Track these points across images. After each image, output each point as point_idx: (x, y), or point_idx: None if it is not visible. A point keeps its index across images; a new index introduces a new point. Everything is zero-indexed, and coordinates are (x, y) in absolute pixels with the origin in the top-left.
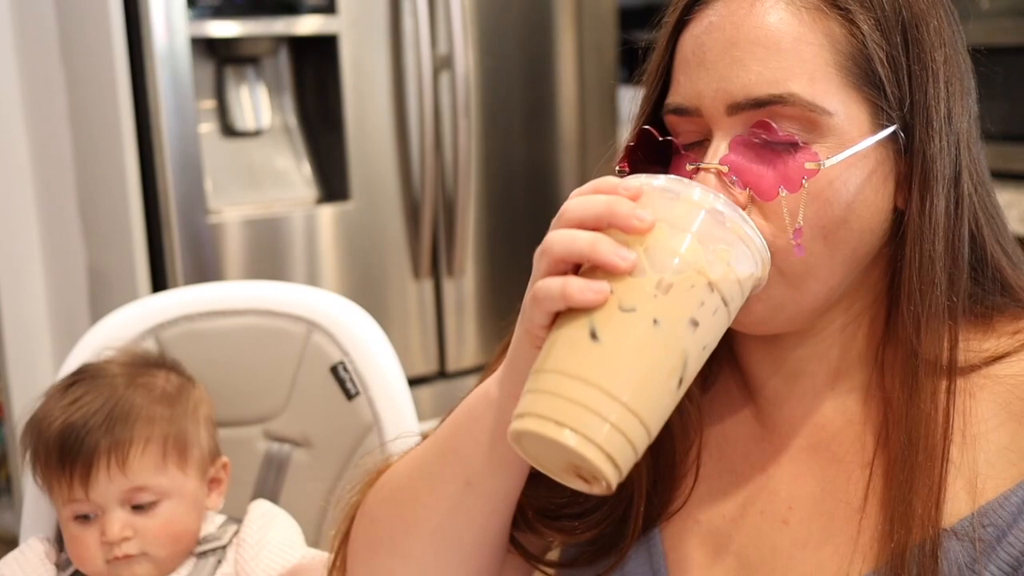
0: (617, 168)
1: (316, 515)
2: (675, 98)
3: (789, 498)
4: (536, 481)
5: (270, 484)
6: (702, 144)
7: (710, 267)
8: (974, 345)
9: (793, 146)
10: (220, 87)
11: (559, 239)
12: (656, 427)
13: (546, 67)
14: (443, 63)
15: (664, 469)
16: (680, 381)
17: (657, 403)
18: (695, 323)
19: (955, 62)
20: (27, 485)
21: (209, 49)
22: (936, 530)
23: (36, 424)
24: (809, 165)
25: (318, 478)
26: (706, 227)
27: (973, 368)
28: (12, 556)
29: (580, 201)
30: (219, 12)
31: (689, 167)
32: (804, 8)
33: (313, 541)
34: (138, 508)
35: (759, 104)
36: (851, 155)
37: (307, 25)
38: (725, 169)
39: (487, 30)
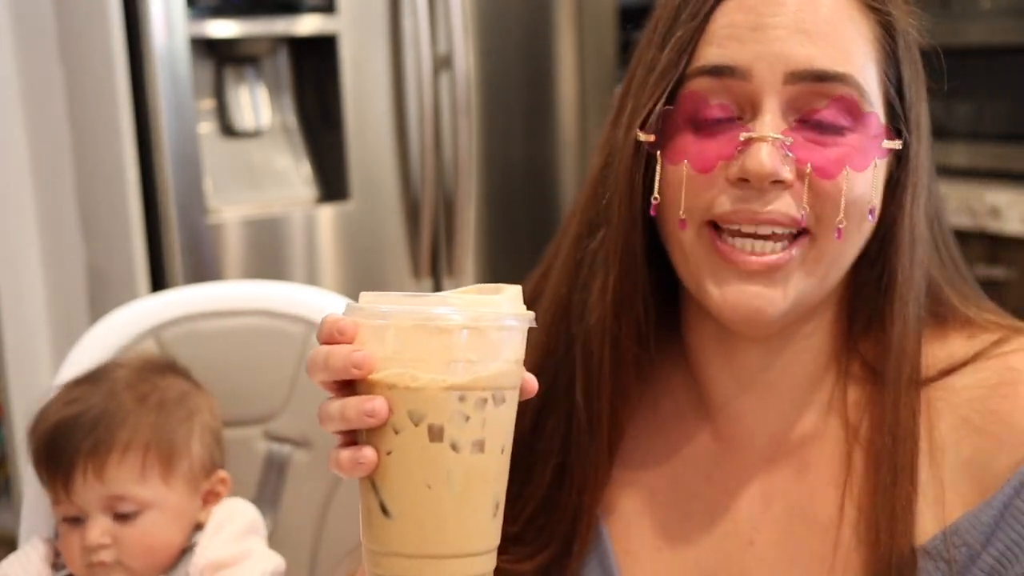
0: (642, 138)
1: (317, 515)
2: (717, 58)
3: (753, 517)
4: None
5: (271, 484)
6: (723, 115)
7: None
8: (931, 354)
9: (867, 126)
10: (220, 87)
11: (323, 413)
12: (492, 540)
13: (546, 67)
14: (443, 63)
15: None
16: (496, 504)
17: (481, 529)
18: (479, 445)
19: (922, 73)
20: (27, 485)
21: (209, 49)
22: (912, 547)
23: (35, 421)
24: (887, 144)
25: (319, 478)
26: (451, 344)
27: (930, 380)
28: (15, 556)
29: (311, 358)
30: (218, 12)
31: (743, 136)
32: (856, 4)
33: (313, 541)
34: (120, 517)
35: (822, 78)
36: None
37: (307, 25)
38: (789, 141)
39: (487, 30)
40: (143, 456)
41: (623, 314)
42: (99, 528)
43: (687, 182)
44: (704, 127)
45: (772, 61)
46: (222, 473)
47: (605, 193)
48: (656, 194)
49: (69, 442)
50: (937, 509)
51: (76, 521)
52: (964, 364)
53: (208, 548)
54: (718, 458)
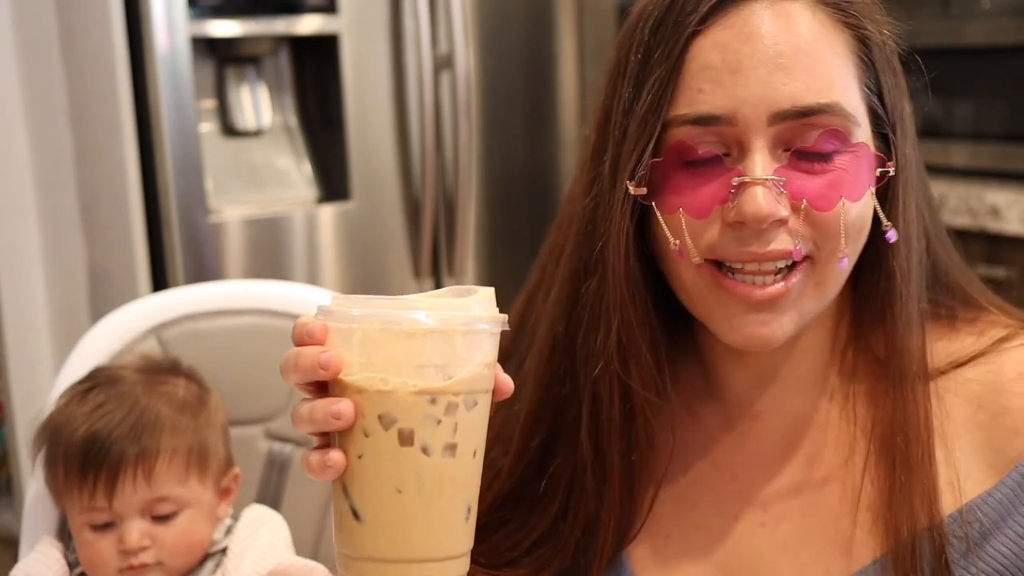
0: (632, 192)
1: (318, 515)
2: (700, 107)
3: (764, 501)
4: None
5: (273, 484)
6: (712, 158)
7: (438, 400)
8: (940, 348)
9: (857, 152)
10: (221, 87)
11: (295, 415)
12: (464, 544)
13: (546, 67)
14: (443, 62)
15: (627, 495)
16: (468, 507)
17: (453, 533)
18: (451, 448)
19: (902, 73)
20: (28, 485)
21: (210, 49)
22: (938, 526)
23: (55, 429)
24: (880, 171)
25: None
26: (421, 348)
27: (940, 372)
28: (33, 557)
29: (284, 360)
30: (220, 12)
31: (736, 181)
32: (828, 21)
33: (314, 541)
34: (157, 518)
35: (806, 113)
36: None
37: (308, 25)
38: (783, 181)
39: (487, 30)
40: (187, 458)
41: (631, 363)
42: (138, 531)
43: (687, 227)
44: (694, 171)
45: (755, 104)
46: (236, 469)
47: (597, 234)
48: (674, 240)
49: (112, 451)
50: (952, 491)
51: (105, 528)
52: (974, 357)
53: (268, 554)
54: (725, 444)
